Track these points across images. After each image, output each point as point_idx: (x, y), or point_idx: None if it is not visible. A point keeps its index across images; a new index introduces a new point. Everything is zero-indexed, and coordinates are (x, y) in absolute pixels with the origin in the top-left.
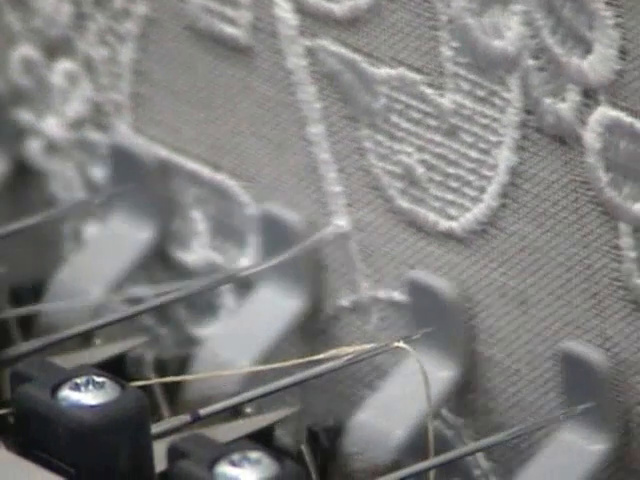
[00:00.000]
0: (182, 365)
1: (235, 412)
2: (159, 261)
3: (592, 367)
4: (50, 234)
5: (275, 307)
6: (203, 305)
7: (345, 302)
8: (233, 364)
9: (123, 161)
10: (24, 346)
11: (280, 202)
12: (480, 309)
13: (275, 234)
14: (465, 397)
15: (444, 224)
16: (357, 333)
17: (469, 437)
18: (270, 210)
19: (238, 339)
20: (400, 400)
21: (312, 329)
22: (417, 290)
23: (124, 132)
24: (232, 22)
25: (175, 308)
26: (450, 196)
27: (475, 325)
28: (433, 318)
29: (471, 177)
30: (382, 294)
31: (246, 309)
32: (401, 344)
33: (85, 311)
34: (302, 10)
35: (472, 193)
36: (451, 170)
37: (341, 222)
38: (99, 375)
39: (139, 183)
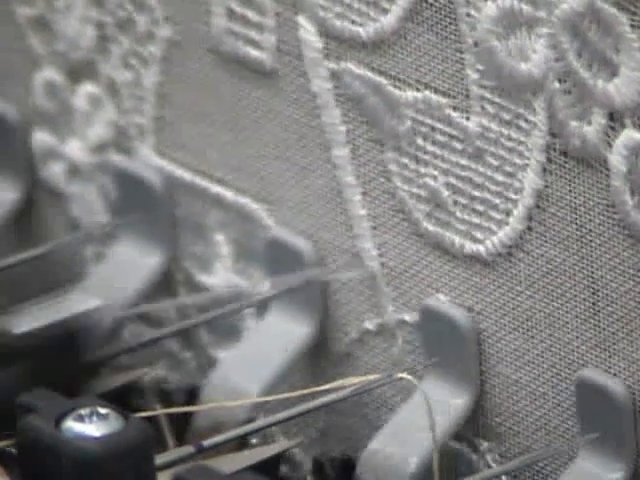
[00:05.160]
0: (187, 395)
1: (240, 443)
2: (182, 283)
3: (610, 396)
4: (60, 260)
5: (285, 333)
6: (224, 328)
7: (370, 325)
8: (244, 389)
9: (129, 186)
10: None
11: (304, 225)
12: (505, 332)
13: (285, 260)
14: (486, 420)
15: (470, 247)
16: (382, 356)
17: (492, 460)
18: (280, 236)
19: (249, 364)
20: (412, 428)
21: (337, 352)
22: (430, 317)
23: (147, 155)
24: (257, 45)
25: (195, 331)
26: (476, 219)
27: (500, 348)
28: (446, 346)
29: (497, 200)
30: (407, 317)
31: (256, 334)
32: (405, 375)
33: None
34: (327, 33)
35: (498, 216)
36: (477, 193)
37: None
38: (103, 406)
39: (146, 208)
